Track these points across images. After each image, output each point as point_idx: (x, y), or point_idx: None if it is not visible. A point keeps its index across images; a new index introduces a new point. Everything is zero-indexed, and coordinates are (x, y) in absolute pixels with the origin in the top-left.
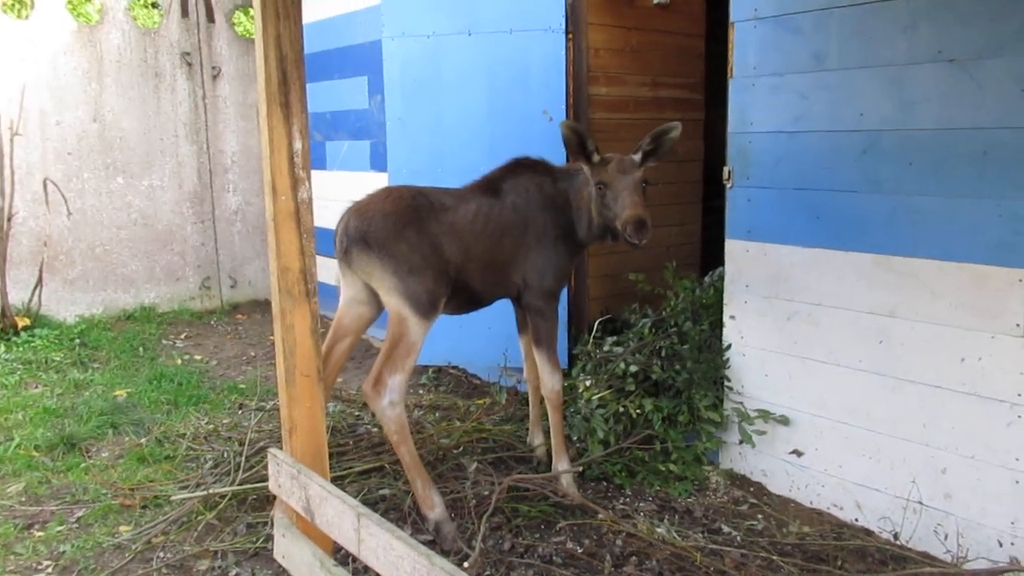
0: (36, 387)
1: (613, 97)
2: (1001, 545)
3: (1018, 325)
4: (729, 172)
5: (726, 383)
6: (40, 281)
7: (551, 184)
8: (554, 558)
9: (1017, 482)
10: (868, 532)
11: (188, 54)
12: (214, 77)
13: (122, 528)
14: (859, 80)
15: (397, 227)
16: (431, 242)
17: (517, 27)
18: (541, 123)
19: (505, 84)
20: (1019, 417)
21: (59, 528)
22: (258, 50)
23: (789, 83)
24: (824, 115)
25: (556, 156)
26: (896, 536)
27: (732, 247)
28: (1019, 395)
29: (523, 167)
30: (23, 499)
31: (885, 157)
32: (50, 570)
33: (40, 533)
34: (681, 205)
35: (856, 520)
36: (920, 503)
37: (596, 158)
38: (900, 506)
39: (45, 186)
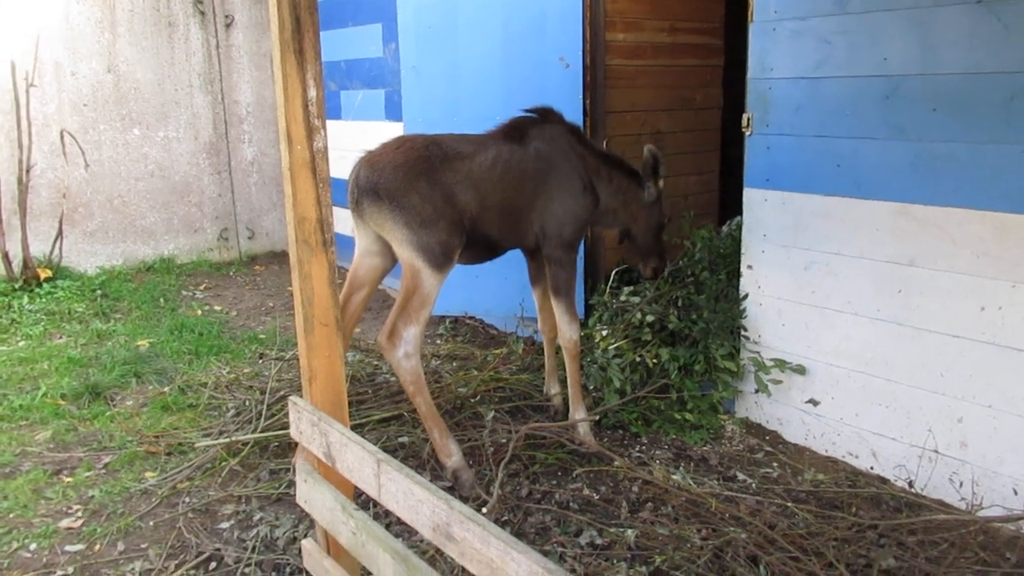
0: (60, 337)
1: (630, 43)
2: (1016, 493)
3: None
4: (748, 119)
5: (743, 333)
6: (60, 233)
7: (584, 149)
8: (571, 504)
9: None
10: (883, 480)
11: (201, 3)
12: (227, 26)
13: (148, 474)
14: (883, 23)
15: (408, 178)
16: (444, 192)
17: None
18: (557, 70)
19: (520, 30)
20: None
21: (87, 474)
22: None
23: (811, 27)
24: (846, 60)
25: (572, 103)
26: (911, 484)
27: (750, 196)
28: None
29: (555, 120)
30: (51, 446)
31: (908, 103)
32: (80, 514)
33: (69, 479)
34: (699, 153)
35: (871, 468)
36: (936, 451)
37: (661, 184)
38: (916, 454)
39: (62, 137)
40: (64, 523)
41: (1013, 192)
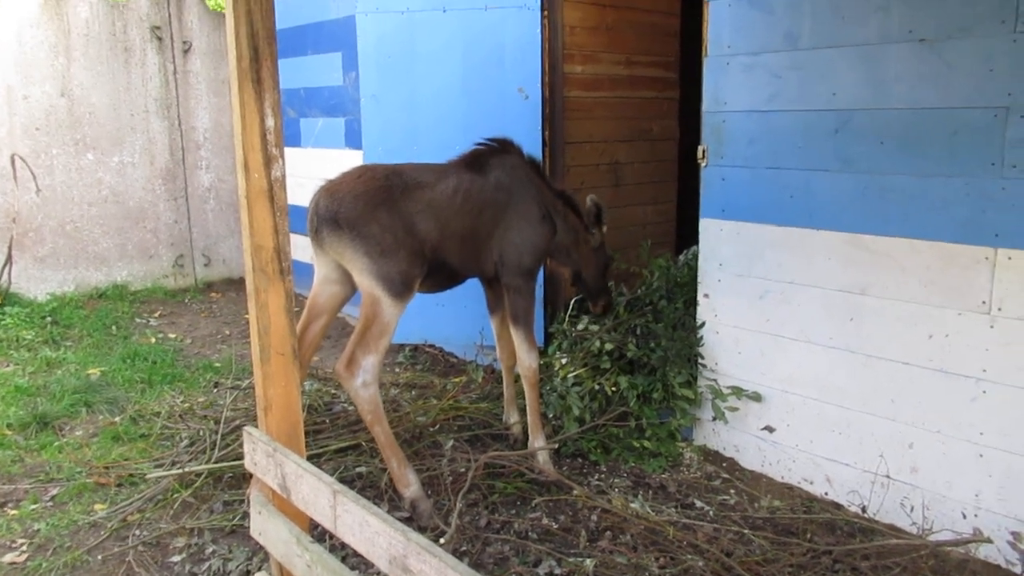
0: (7, 365)
1: (588, 75)
2: (965, 517)
3: (984, 302)
4: (703, 151)
5: (700, 361)
6: (9, 258)
7: (542, 181)
8: (530, 534)
9: (981, 456)
10: (837, 506)
11: (158, 28)
12: (185, 52)
13: (97, 506)
14: (832, 59)
15: (368, 208)
16: (404, 222)
17: (492, 4)
18: (516, 101)
19: (480, 61)
20: (983, 392)
21: (33, 506)
22: (229, 25)
23: (763, 62)
24: (797, 94)
25: (531, 134)
26: (864, 509)
27: (706, 226)
28: (984, 371)
29: (514, 152)
30: None
31: (857, 136)
32: (25, 548)
33: (14, 511)
34: (656, 183)
35: (826, 494)
36: (888, 477)
37: (605, 230)
38: (868, 480)
39: (13, 162)
40: (8, 558)
41: (957, 223)
